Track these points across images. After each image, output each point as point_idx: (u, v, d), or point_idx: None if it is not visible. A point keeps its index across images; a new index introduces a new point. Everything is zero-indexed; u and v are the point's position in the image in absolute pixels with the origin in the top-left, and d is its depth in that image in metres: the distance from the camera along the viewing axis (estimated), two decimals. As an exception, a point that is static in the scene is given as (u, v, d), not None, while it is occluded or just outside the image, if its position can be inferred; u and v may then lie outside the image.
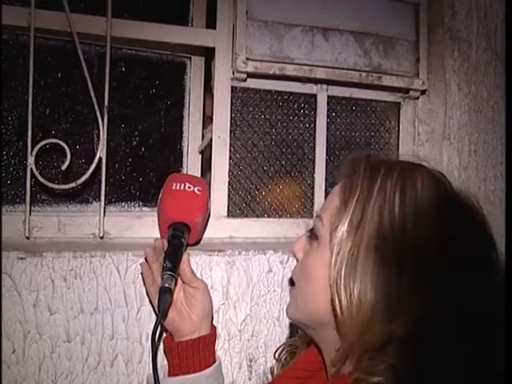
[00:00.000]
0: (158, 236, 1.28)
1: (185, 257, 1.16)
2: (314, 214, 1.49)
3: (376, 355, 0.84)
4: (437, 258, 0.85)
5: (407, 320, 0.82)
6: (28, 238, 1.26)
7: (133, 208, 1.48)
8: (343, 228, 0.89)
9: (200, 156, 1.56)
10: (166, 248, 1.16)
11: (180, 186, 1.24)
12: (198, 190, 1.25)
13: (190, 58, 1.55)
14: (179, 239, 1.18)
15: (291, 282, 1.06)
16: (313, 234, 1.00)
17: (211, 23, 1.45)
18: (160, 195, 1.26)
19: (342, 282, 0.86)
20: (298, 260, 1.04)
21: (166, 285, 1.09)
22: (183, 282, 1.17)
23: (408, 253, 0.85)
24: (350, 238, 0.87)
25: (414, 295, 0.83)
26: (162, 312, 1.08)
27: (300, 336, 1.15)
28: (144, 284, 1.22)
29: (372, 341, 0.84)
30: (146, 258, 1.19)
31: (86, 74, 1.26)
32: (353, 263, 0.86)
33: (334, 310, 0.87)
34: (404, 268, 0.84)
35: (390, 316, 0.83)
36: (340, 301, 0.86)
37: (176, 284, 1.13)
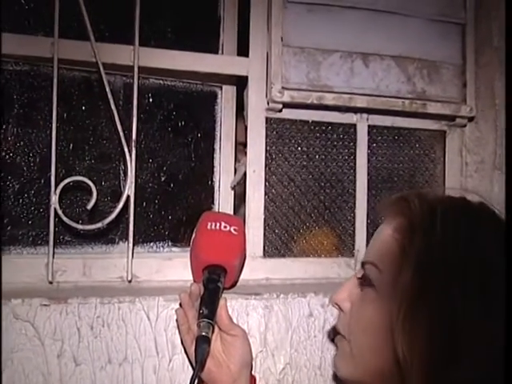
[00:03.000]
0: (189, 279, 1.26)
1: (222, 302, 1.13)
2: (356, 253, 1.48)
3: None
4: (503, 297, 0.83)
5: (476, 361, 0.81)
6: (51, 282, 1.24)
7: (162, 249, 1.46)
8: (407, 274, 0.86)
9: (233, 192, 1.54)
10: (201, 293, 1.13)
11: (215, 226, 1.22)
12: (235, 230, 1.23)
13: (221, 88, 1.54)
14: (216, 283, 1.15)
15: (335, 333, 1.03)
16: (365, 282, 0.97)
17: (243, 50, 1.45)
18: (193, 235, 1.24)
19: (408, 330, 0.83)
20: (342, 310, 1.01)
21: (204, 333, 1.05)
22: (220, 330, 1.13)
23: (475, 291, 0.83)
24: (416, 284, 0.85)
25: (481, 334, 0.82)
26: (199, 363, 1.03)
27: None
28: (179, 332, 1.19)
29: None
30: (180, 304, 1.16)
31: (113, 107, 1.25)
32: (419, 308, 0.83)
33: (398, 362, 0.84)
34: (471, 307, 0.82)
35: (459, 359, 0.81)
36: (406, 350, 0.82)
37: (213, 332, 1.09)
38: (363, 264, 0.98)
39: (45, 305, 1.14)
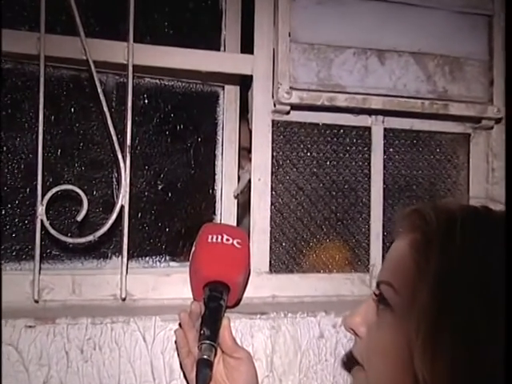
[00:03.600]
0: (189, 297, 1.26)
1: (225, 322, 1.13)
2: (371, 268, 1.49)
3: None
4: None
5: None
6: (37, 301, 1.23)
7: (159, 264, 1.46)
8: (425, 294, 0.85)
9: (236, 201, 1.54)
10: (202, 312, 1.13)
11: (217, 239, 1.22)
12: (238, 243, 1.23)
13: (223, 88, 1.54)
14: (218, 301, 1.15)
15: (350, 361, 1.03)
16: (381, 304, 0.96)
17: (247, 47, 1.45)
18: (193, 249, 1.24)
19: (429, 354, 0.81)
20: (358, 335, 1.00)
21: (205, 356, 1.05)
22: (223, 352, 1.13)
23: (498, 310, 0.82)
24: (434, 304, 0.84)
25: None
26: (200, 389, 1.04)
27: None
28: (178, 355, 1.18)
29: None
30: (179, 324, 1.15)
31: (105, 109, 1.25)
32: (439, 330, 0.82)
33: None
34: (495, 327, 0.81)
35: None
36: (428, 376, 0.81)
37: (216, 354, 1.09)
38: (378, 284, 0.98)
39: (30, 326, 1.13)
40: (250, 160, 1.42)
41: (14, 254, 1.33)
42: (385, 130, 1.51)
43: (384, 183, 1.51)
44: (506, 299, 0.82)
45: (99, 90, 1.25)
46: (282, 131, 1.44)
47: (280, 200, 1.44)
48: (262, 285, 1.40)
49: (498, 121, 1.55)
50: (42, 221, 1.21)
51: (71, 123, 1.40)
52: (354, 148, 1.50)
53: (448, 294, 0.84)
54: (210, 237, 1.23)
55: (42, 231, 1.23)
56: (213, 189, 1.55)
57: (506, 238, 0.85)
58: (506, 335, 0.80)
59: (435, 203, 0.96)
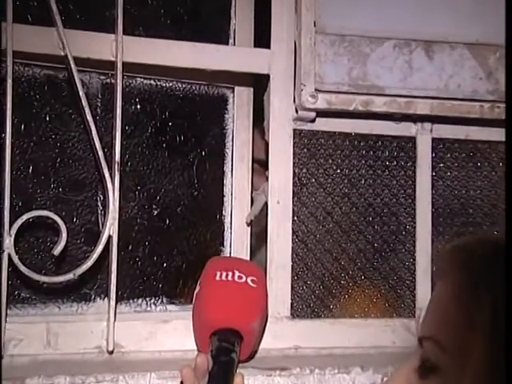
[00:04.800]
0: (193, 348, 1.25)
1: (237, 380, 1.12)
2: (417, 313, 1.47)
3: None
4: None
5: None
6: (2, 357, 1.21)
7: (154, 307, 1.47)
8: (481, 351, 0.84)
9: (249, 229, 1.55)
10: (210, 367, 1.11)
11: (227, 276, 1.22)
12: (253, 281, 1.23)
13: (233, 90, 1.56)
14: (229, 354, 1.14)
15: None
16: (425, 366, 0.93)
17: (262, 40, 1.46)
18: (197, 289, 1.24)
19: None
20: None
21: (214, 425, 1.06)
22: (235, 418, 1.14)
23: None
24: (494, 364, 0.83)
25: None
26: None
27: None
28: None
29: None
30: (181, 383, 1.13)
31: (88, 116, 1.25)
32: None
33: None
34: None
35: None
36: None
37: (227, 421, 1.10)
38: (421, 341, 0.96)
39: (-7, 389, 1.13)
40: (267, 178, 1.41)
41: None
42: (433, 140, 1.51)
43: (432, 206, 1.50)
44: None
45: (81, 93, 1.26)
46: (305, 143, 1.44)
47: (303, 227, 1.44)
48: (282, 333, 1.39)
49: None
50: (9, 255, 1.21)
51: (46, 134, 1.40)
52: (394, 163, 1.50)
53: (502, 352, 0.83)
54: (217, 274, 1.22)
55: (9, 268, 1.22)
56: (220, 214, 1.56)
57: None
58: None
59: (483, 236, 0.97)
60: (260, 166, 1.58)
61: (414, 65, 1.42)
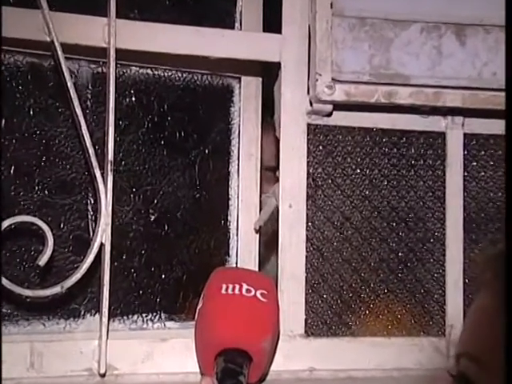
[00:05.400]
0: (195, 370, 1.24)
1: None
2: (448, 330, 1.46)
3: None
4: None
5: None
6: None
7: (151, 324, 1.46)
8: None
9: (257, 237, 1.55)
10: None
11: (233, 289, 1.20)
12: (263, 295, 1.21)
13: (239, 80, 1.56)
14: (236, 377, 1.12)
15: None
16: None
17: (272, 24, 1.46)
18: (200, 304, 1.22)
19: None
20: None
21: None
22: None
23: None
24: None
25: None
26: None
27: None
28: None
29: None
30: None
31: (77, 109, 1.24)
32: None
33: None
34: None
35: None
36: None
37: None
38: (458, 358, 0.94)
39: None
40: (277, 180, 1.41)
41: None
42: (465, 135, 1.50)
43: (464, 211, 1.49)
44: None
45: (69, 83, 1.25)
46: (321, 139, 1.43)
47: (319, 234, 1.43)
48: (295, 353, 1.38)
49: None
50: (-12, 266, 1.21)
51: (30, 129, 1.40)
52: (421, 162, 1.49)
53: None
54: (223, 286, 1.21)
55: (-12, 281, 1.23)
56: (226, 219, 1.56)
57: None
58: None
59: None
60: (271, 172, 1.59)
61: (443, 51, 1.41)
